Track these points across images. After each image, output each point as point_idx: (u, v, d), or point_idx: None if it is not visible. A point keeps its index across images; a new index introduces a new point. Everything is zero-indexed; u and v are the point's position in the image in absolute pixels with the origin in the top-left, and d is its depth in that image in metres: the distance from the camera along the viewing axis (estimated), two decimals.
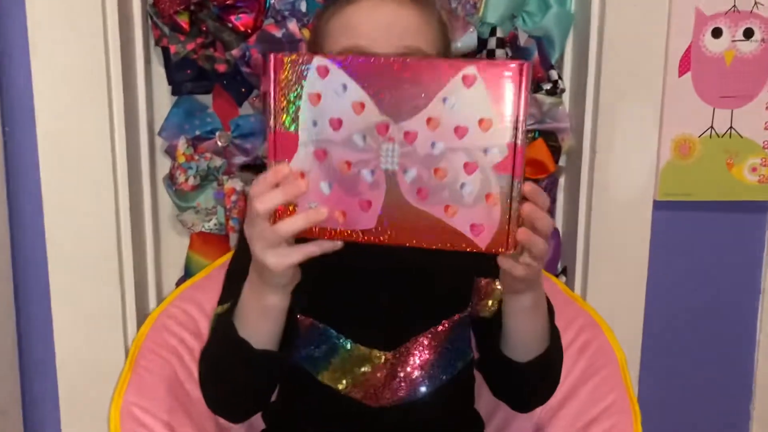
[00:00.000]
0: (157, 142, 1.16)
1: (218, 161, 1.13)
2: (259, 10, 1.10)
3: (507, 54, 1.13)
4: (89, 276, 1.08)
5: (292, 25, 1.09)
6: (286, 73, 0.60)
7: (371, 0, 0.75)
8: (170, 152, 1.15)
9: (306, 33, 1.10)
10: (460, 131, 0.59)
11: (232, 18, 1.09)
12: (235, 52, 1.09)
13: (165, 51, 1.13)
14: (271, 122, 0.61)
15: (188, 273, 1.15)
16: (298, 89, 0.60)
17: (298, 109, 0.60)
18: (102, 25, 1.03)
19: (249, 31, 1.09)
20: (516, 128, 0.58)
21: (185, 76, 1.13)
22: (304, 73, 0.60)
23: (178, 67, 1.12)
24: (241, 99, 1.15)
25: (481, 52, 1.13)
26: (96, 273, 1.08)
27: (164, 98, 1.15)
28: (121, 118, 1.06)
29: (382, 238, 0.62)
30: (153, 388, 0.89)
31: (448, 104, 0.59)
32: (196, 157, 1.12)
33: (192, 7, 1.08)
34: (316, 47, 0.80)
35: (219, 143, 1.14)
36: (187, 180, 1.12)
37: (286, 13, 1.10)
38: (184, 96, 1.15)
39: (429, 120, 0.59)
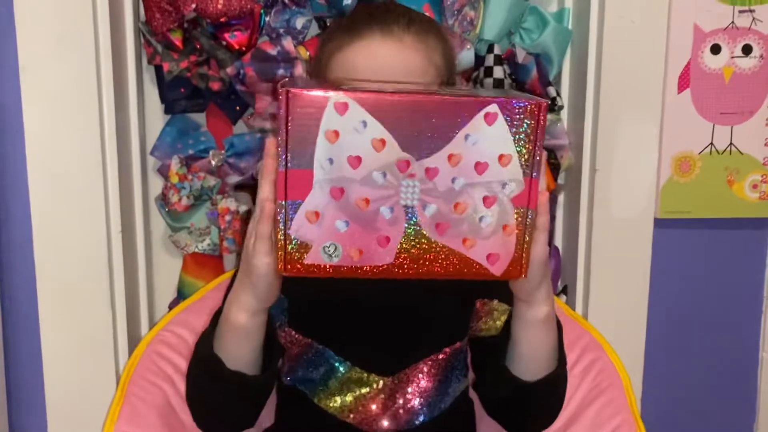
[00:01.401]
0: (149, 161, 1.15)
1: (212, 181, 1.12)
2: (254, 27, 1.08)
3: (505, 71, 1.12)
4: (79, 300, 1.06)
5: (287, 43, 1.08)
6: (301, 109, 0.58)
7: (372, 41, 0.74)
8: (163, 172, 1.13)
9: (302, 51, 1.09)
10: (480, 167, 0.60)
11: (227, 36, 1.08)
12: (229, 70, 1.08)
13: (158, 69, 1.12)
14: (283, 159, 0.59)
15: (181, 295, 1.13)
16: (314, 127, 0.58)
17: (313, 146, 0.59)
18: (93, 42, 1.02)
19: (243, 48, 1.08)
20: (533, 163, 0.60)
21: (178, 95, 1.12)
22: (321, 110, 0.58)
23: (171, 85, 1.10)
24: (236, 117, 1.14)
25: (478, 69, 1.12)
26: (86, 297, 1.06)
27: (157, 117, 1.14)
28: (112, 137, 1.05)
29: (398, 272, 0.62)
30: (145, 416, 0.87)
31: (470, 141, 0.59)
32: (190, 177, 1.11)
33: (185, 25, 1.07)
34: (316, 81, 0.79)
35: (213, 162, 1.12)
36: (180, 200, 1.11)
37: (281, 30, 1.09)
38: (177, 115, 1.13)
39: (450, 156, 0.60)
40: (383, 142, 0.59)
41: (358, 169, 0.59)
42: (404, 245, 0.61)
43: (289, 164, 0.59)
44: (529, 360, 0.74)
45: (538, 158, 0.60)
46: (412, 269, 0.62)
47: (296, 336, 0.81)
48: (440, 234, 0.61)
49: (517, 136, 0.59)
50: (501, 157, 0.60)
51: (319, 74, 0.80)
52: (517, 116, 0.59)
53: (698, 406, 1.26)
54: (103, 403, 0.98)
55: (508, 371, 0.75)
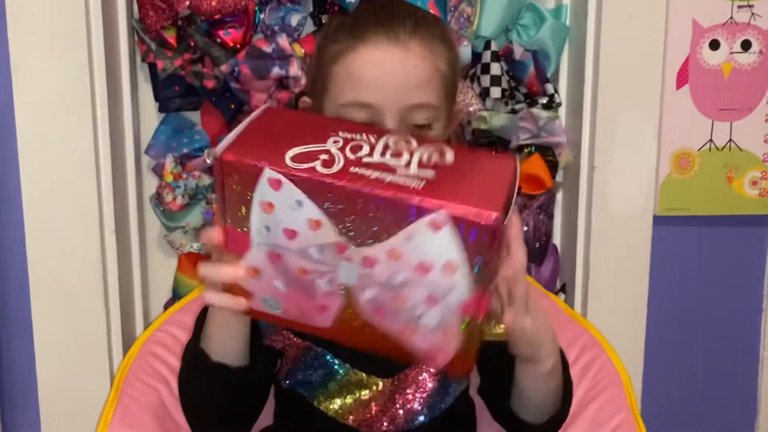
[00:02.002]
0: (143, 160, 1.14)
1: (207, 180, 1.11)
2: (248, 25, 1.09)
3: (502, 68, 1.11)
4: (73, 300, 1.05)
5: (282, 40, 1.08)
6: (235, 176, 0.54)
7: (376, 48, 0.72)
8: (157, 171, 1.12)
9: (297, 48, 1.08)
10: (423, 268, 0.54)
11: (221, 33, 1.08)
12: (224, 67, 1.07)
13: (152, 67, 1.11)
14: (221, 217, 0.57)
15: (176, 295, 1.12)
16: (249, 195, 0.55)
17: (249, 212, 0.55)
18: (86, 41, 1.01)
19: (238, 46, 1.08)
20: (485, 275, 0.54)
21: (173, 93, 1.11)
22: (255, 182, 0.54)
23: (165, 83, 1.10)
24: (231, 115, 1.13)
25: (475, 66, 1.12)
26: (80, 297, 1.06)
27: (151, 115, 1.13)
28: (106, 135, 1.04)
29: (339, 337, 0.60)
30: (139, 417, 0.85)
31: (413, 243, 0.53)
32: (185, 176, 1.10)
33: (179, 23, 1.07)
34: (318, 85, 0.76)
35: (208, 161, 1.10)
36: (175, 199, 1.10)
37: (276, 28, 1.09)
38: (171, 113, 1.13)
39: (391, 251, 0.54)
40: (318, 223, 0.54)
41: (294, 241, 0.55)
42: (343, 317, 0.58)
43: (227, 221, 0.56)
44: (535, 406, 0.74)
45: (491, 272, 0.54)
46: (353, 339, 0.59)
47: (294, 339, 0.80)
48: (379, 317, 0.57)
49: (468, 248, 0.52)
50: (447, 265, 0.53)
51: (320, 78, 0.76)
52: (469, 229, 0.51)
53: (698, 404, 1.25)
54: (96, 404, 0.98)
55: (513, 413, 0.75)
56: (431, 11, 0.80)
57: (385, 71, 0.71)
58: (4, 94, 1.02)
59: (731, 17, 1.11)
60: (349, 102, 0.72)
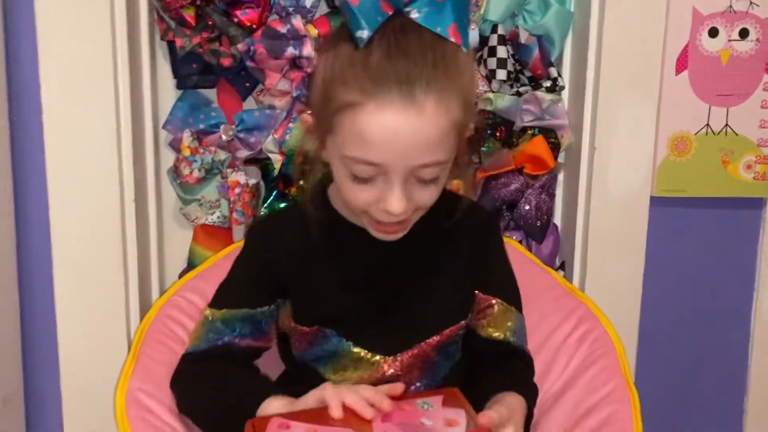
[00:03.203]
0: (161, 135, 1.17)
1: (222, 155, 1.15)
2: (265, 5, 1.11)
3: (508, 51, 1.14)
4: (93, 267, 1.09)
5: (297, 21, 1.10)
6: None
7: (390, 112, 0.67)
8: (174, 145, 1.16)
9: (311, 29, 1.11)
10: None
11: (238, 13, 1.10)
12: (240, 46, 1.10)
13: (170, 45, 1.14)
14: None
15: (191, 265, 1.16)
16: None
17: None
18: (110, 18, 1.04)
19: (254, 26, 1.10)
20: None
21: (191, 70, 1.14)
22: None
23: (183, 60, 1.13)
24: (246, 93, 1.17)
25: (482, 49, 1.15)
26: (100, 265, 1.09)
27: (169, 92, 1.16)
28: (127, 110, 1.07)
29: None
30: (157, 374, 0.90)
31: None
32: (201, 150, 1.14)
33: (198, 2, 1.09)
34: (323, 120, 0.73)
35: (223, 137, 1.15)
36: (191, 172, 1.14)
37: (291, 9, 1.11)
38: (188, 90, 1.16)
39: None
40: None
41: None
42: None
43: None
44: None
45: None
46: None
47: (302, 329, 0.83)
48: None
49: None
50: None
51: (325, 114, 0.72)
52: None
53: (691, 378, 1.29)
54: (114, 364, 1.02)
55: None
56: (452, 39, 0.69)
57: (396, 134, 0.67)
58: (30, 67, 1.06)
59: (730, 6, 1.14)
60: (355, 158, 0.70)
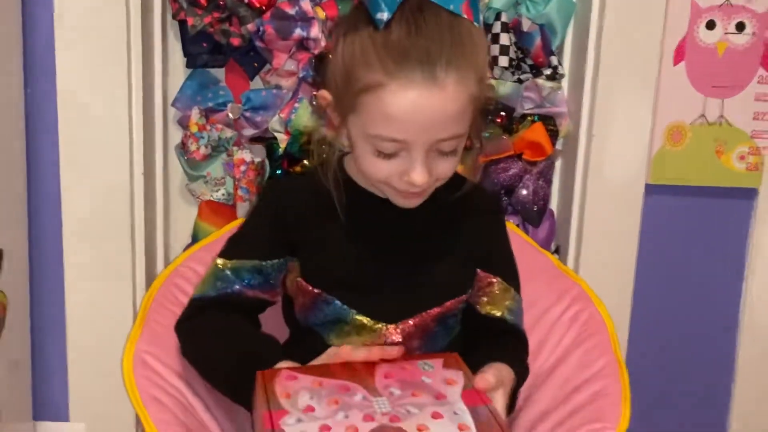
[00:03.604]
0: (170, 112, 1.20)
1: (229, 133, 1.17)
2: None
3: (511, 39, 1.17)
4: (102, 238, 1.12)
5: (305, 3, 1.13)
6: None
7: (411, 87, 0.70)
8: (182, 123, 1.19)
9: (319, 11, 1.14)
10: None
11: None
12: (250, 26, 1.12)
13: (182, 24, 1.16)
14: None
15: (195, 240, 1.18)
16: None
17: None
18: None
19: (264, 7, 1.12)
20: None
21: (201, 49, 1.16)
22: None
23: (194, 40, 1.15)
24: (254, 73, 1.19)
25: (486, 35, 1.18)
26: (108, 235, 1.12)
27: (179, 70, 1.19)
28: (139, 87, 1.10)
29: None
30: (164, 338, 0.91)
31: None
32: (208, 128, 1.16)
33: None
34: (345, 99, 0.75)
35: (230, 115, 1.18)
36: (198, 149, 1.16)
37: None
38: (198, 69, 1.18)
39: None
40: None
41: None
42: None
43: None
44: None
45: None
46: None
47: (307, 286, 0.86)
48: None
49: None
50: None
51: (347, 94, 0.74)
52: None
53: (680, 358, 1.32)
54: (119, 331, 1.05)
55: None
56: (465, 16, 0.73)
57: (420, 112, 0.71)
58: (46, 41, 1.08)
59: (727, 0, 1.17)
60: (380, 135, 0.73)
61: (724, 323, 1.31)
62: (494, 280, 0.89)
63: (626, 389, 0.94)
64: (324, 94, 0.80)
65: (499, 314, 0.89)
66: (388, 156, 0.75)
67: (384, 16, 0.71)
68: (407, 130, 0.72)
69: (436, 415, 0.69)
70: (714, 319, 1.31)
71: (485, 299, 0.89)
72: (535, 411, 0.96)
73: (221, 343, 0.83)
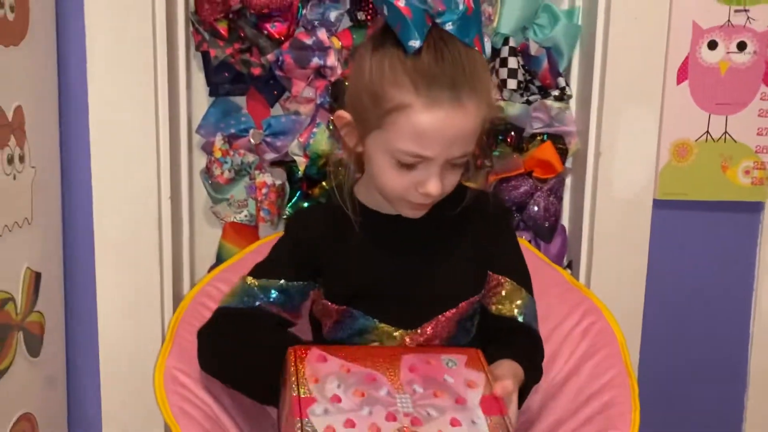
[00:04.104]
0: (194, 138, 1.25)
1: (251, 157, 1.22)
2: (292, 19, 1.18)
3: (519, 62, 1.22)
4: (131, 260, 1.17)
5: (322, 34, 1.18)
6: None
7: (440, 109, 0.77)
8: (206, 148, 1.23)
9: (335, 41, 1.19)
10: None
11: (268, 26, 1.18)
12: (269, 56, 1.17)
13: (205, 55, 1.21)
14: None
15: (220, 260, 1.23)
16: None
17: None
18: (151, 30, 1.13)
19: (282, 38, 1.18)
20: None
21: (223, 79, 1.22)
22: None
23: (216, 70, 1.21)
24: (274, 100, 1.24)
25: (494, 60, 1.22)
26: (138, 258, 1.17)
27: (203, 99, 1.24)
28: (165, 115, 1.15)
29: None
30: (193, 355, 0.95)
31: None
32: (231, 153, 1.21)
33: (231, 15, 1.17)
34: (371, 115, 0.80)
35: (252, 141, 1.22)
36: (222, 173, 1.21)
37: (316, 22, 1.18)
38: (221, 97, 1.23)
39: None
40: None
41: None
42: None
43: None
44: None
45: None
46: None
47: (332, 306, 0.91)
48: None
49: None
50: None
51: (375, 111, 0.80)
52: None
53: (692, 372, 1.33)
54: (148, 349, 1.10)
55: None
56: (476, 48, 0.81)
57: (446, 131, 0.78)
58: (79, 74, 1.14)
59: (728, 20, 1.20)
60: (406, 151, 0.79)
61: (735, 335, 1.32)
62: (503, 280, 0.93)
63: (636, 399, 0.96)
64: (342, 114, 0.86)
65: (509, 314, 0.92)
66: (408, 169, 0.82)
67: (416, 43, 0.78)
68: (432, 146, 0.79)
69: (454, 422, 0.73)
70: (725, 330, 1.32)
71: (495, 299, 0.93)
72: (549, 421, 0.99)
73: (240, 351, 0.88)
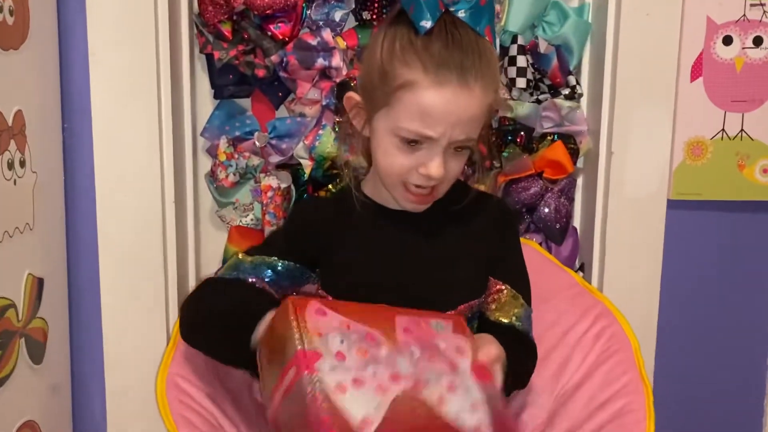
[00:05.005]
0: (199, 142, 1.24)
1: (256, 160, 1.21)
2: (296, 19, 1.17)
3: (528, 61, 1.19)
4: (136, 265, 1.16)
5: (326, 34, 1.16)
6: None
7: (447, 89, 0.78)
8: (211, 152, 1.22)
9: (340, 41, 1.17)
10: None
11: (272, 27, 1.16)
12: (273, 58, 1.16)
13: (208, 57, 1.21)
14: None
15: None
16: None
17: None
18: (154, 33, 1.12)
19: (287, 39, 1.16)
20: None
21: (227, 81, 1.21)
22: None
23: (220, 72, 1.20)
24: (278, 102, 1.23)
25: (503, 58, 1.20)
26: (142, 262, 1.16)
27: (207, 101, 1.23)
28: (168, 118, 1.14)
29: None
30: (195, 362, 0.95)
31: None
32: (236, 156, 1.20)
33: (234, 17, 1.16)
34: (379, 94, 0.82)
35: (257, 143, 1.21)
36: (227, 176, 1.20)
37: (321, 23, 1.17)
38: (225, 99, 1.22)
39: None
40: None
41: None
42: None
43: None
44: None
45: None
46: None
47: (328, 297, 0.90)
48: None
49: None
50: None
51: (383, 90, 0.81)
52: None
53: (710, 377, 1.30)
54: (153, 355, 1.09)
55: None
56: (486, 37, 0.83)
57: (451, 112, 0.79)
58: (82, 78, 1.14)
59: (744, 15, 1.17)
60: (411, 129, 0.80)
61: (754, 338, 1.29)
62: (503, 287, 0.92)
63: (650, 406, 0.94)
64: (351, 94, 0.88)
65: (507, 321, 0.92)
66: (411, 149, 0.82)
67: (428, 24, 0.80)
68: (436, 125, 0.80)
69: (451, 388, 0.72)
70: (743, 334, 1.29)
71: (494, 306, 0.93)
72: (561, 428, 0.97)
73: (225, 309, 0.87)
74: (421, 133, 0.80)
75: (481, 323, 0.94)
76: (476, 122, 0.82)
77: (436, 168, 0.82)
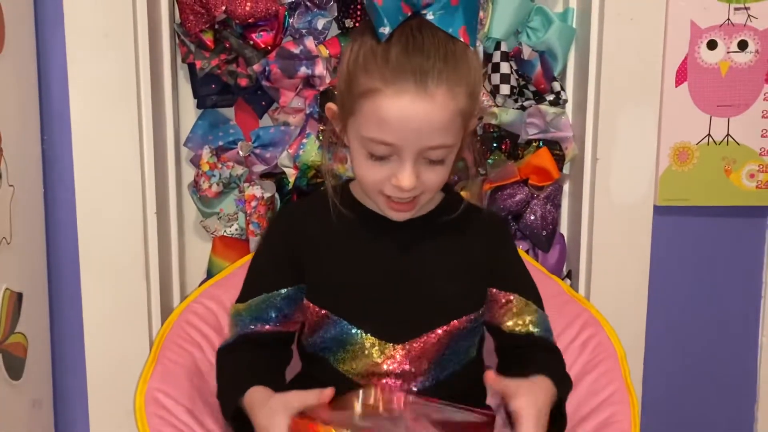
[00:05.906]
0: (182, 152, 1.23)
1: (240, 170, 1.20)
2: (279, 28, 1.16)
3: (511, 67, 1.19)
4: (118, 277, 1.15)
5: (309, 42, 1.16)
6: None
7: (404, 95, 0.76)
8: (194, 162, 1.21)
9: (322, 49, 1.17)
10: None
11: (254, 36, 1.16)
12: (256, 67, 1.15)
13: (191, 67, 1.20)
14: None
15: (210, 275, 1.20)
16: None
17: None
18: (133, 42, 1.11)
19: (269, 47, 1.16)
20: None
21: (210, 90, 1.20)
22: None
23: (203, 81, 1.19)
24: (262, 111, 1.22)
25: (486, 65, 1.19)
26: (124, 274, 1.15)
27: (190, 111, 1.23)
28: (149, 128, 1.13)
29: None
30: (175, 376, 0.94)
31: None
32: (219, 166, 1.19)
33: (216, 26, 1.16)
34: (346, 105, 0.82)
35: (241, 153, 1.21)
36: (210, 186, 1.19)
37: (304, 31, 1.17)
38: (208, 109, 1.21)
39: None
40: None
41: None
42: None
43: None
44: None
45: None
46: None
47: (313, 308, 0.88)
48: None
49: None
50: None
51: (348, 100, 0.81)
52: None
53: (700, 385, 1.30)
54: (136, 365, 1.07)
55: None
56: (461, 39, 0.79)
57: (410, 119, 0.77)
58: (61, 89, 1.13)
59: (728, 19, 1.17)
60: (373, 138, 0.79)
61: (743, 346, 1.29)
62: (511, 297, 0.90)
63: (636, 416, 0.94)
64: (330, 105, 0.87)
65: (523, 330, 0.90)
66: (380, 159, 0.80)
67: (386, 30, 0.78)
68: (397, 134, 0.77)
69: None
70: (732, 341, 1.28)
71: (506, 317, 0.90)
72: None
73: (220, 384, 0.88)
74: (381, 140, 0.78)
75: (496, 338, 0.92)
76: (445, 129, 0.78)
77: (405, 179, 0.79)
